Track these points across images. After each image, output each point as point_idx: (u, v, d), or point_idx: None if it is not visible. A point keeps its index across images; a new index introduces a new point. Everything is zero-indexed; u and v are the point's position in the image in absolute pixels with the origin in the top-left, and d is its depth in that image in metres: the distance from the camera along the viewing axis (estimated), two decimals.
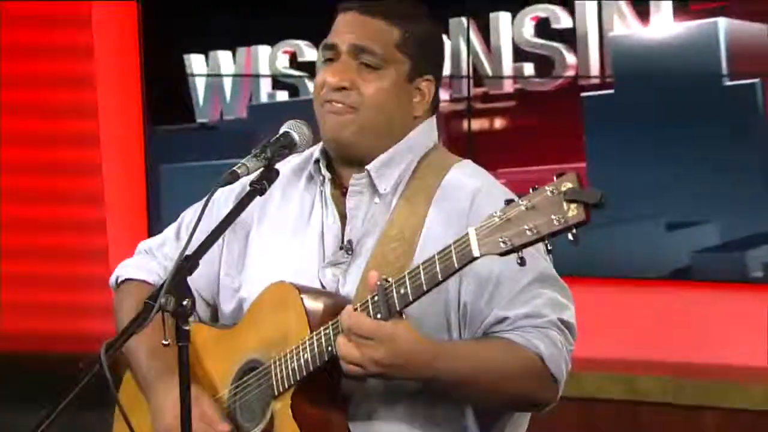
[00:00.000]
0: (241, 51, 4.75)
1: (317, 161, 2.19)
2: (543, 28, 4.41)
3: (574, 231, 1.82)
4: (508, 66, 4.48)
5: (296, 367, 2.04)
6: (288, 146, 2.08)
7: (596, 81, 4.40)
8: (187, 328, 1.91)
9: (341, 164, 2.18)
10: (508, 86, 4.51)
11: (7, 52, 4.98)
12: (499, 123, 4.57)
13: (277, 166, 2.09)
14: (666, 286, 4.36)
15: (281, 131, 2.11)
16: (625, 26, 4.32)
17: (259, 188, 2.05)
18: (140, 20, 4.76)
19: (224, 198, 2.16)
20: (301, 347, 2.04)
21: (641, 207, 4.32)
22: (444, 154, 2.20)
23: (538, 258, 1.99)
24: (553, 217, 1.81)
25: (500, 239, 1.85)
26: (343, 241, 2.14)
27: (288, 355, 2.06)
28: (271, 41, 4.71)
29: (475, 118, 4.53)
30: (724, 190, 4.23)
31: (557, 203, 1.81)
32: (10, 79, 4.98)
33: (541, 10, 4.41)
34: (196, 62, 4.81)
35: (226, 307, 2.24)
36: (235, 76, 4.78)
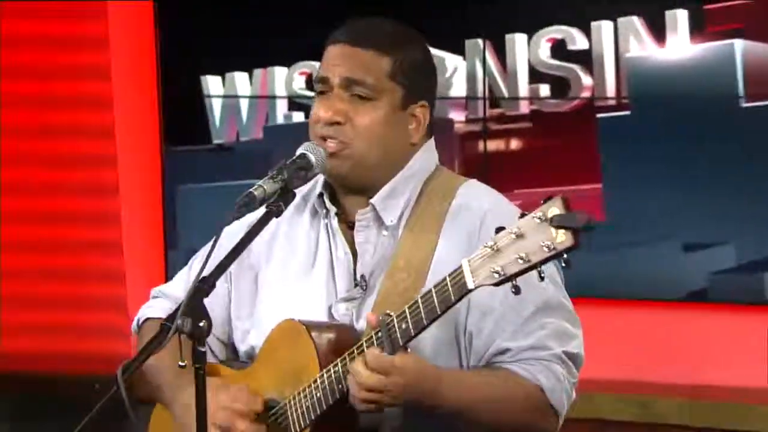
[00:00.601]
0: (258, 72, 4.77)
1: (320, 195, 2.19)
2: (559, 49, 4.41)
3: (564, 257, 1.80)
4: (524, 87, 4.49)
5: (310, 406, 2.05)
6: (305, 168, 2.08)
7: (612, 102, 4.40)
8: (203, 349, 1.92)
9: (344, 195, 2.18)
10: (524, 107, 4.51)
11: (22, 70, 5.00)
12: (514, 144, 4.57)
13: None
14: (682, 307, 4.35)
15: (298, 153, 2.11)
16: (642, 48, 4.32)
17: (275, 210, 2.05)
18: (157, 42, 4.79)
19: (236, 230, 2.13)
20: (313, 386, 2.05)
21: (657, 228, 4.31)
22: (447, 176, 2.19)
23: (545, 285, 1.97)
24: (541, 244, 1.80)
25: (492, 269, 1.85)
26: (355, 276, 2.14)
27: (302, 394, 2.07)
28: (288, 62, 4.73)
29: (491, 139, 4.53)
30: (740, 211, 4.21)
31: (545, 230, 1.80)
32: (25, 99, 5.01)
33: (557, 32, 4.42)
34: (212, 84, 4.82)
35: (241, 347, 2.24)
36: (251, 97, 4.80)
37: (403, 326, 1.94)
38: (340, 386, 2.01)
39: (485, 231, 2.08)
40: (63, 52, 4.96)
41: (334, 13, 4.42)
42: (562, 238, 1.79)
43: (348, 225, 2.17)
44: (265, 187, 2.04)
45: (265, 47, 4.73)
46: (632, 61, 4.34)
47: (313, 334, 2.07)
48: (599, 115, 4.42)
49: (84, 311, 5.00)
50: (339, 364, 2.02)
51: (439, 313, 1.92)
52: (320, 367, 2.04)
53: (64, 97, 4.99)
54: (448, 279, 1.90)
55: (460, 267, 1.89)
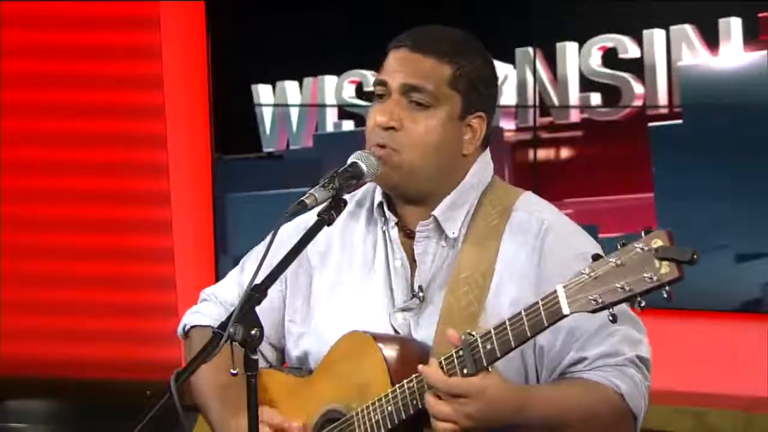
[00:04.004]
0: (308, 81, 4.79)
1: (380, 204, 2.18)
2: (610, 57, 4.39)
3: (667, 288, 1.82)
4: (574, 96, 4.46)
5: (380, 420, 2.05)
6: (356, 176, 2.08)
7: (664, 111, 4.37)
8: (255, 357, 1.92)
9: (402, 205, 2.17)
10: (575, 116, 4.49)
11: (73, 79, 5.05)
12: (565, 153, 4.55)
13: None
14: (736, 318, 4.30)
15: (349, 161, 2.11)
16: (694, 56, 4.29)
17: (327, 218, 2.05)
18: (209, 52, 4.82)
19: (288, 237, 2.14)
20: (384, 400, 2.05)
21: (710, 238, 4.27)
22: (503, 188, 2.18)
23: None
24: (645, 275, 1.82)
25: (591, 297, 1.86)
26: (413, 287, 2.14)
27: (370, 407, 2.06)
28: (338, 71, 4.74)
29: (541, 147, 4.51)
30: None
31: (648, 261, 1.82)
32: (76, 107, 5.05)
33: (608, 40, 4.39)
34: (263, 92, 4.85)
35: (293, 352, 2.24)
36: (301, 106, 4.81)
37: (488, 347, 1.94)
38: (414, 402, 2.01)
39: (547, 252, 2.08)
40: (115, 61, 5.00)
41: (384, 22, 4.44)
42: (667, 269, 1.82)
43: (406, 233, 2.17)
44: (317, 195, 2.05)
45: (316, 56, 4.74)
46: (684, 69, 4.31)
47: (382, 347, 2.07)
48: (651, 124, 4.38)
49: (135, 318, 5.03)
50: (414, 380, 2.02)
51: (529, 336, 1.93)
52: (391, 381, 2.04)
53: (116, 106, 5.02)
54: (540, 303, 1.91)
55: (555, 292, 1.89)
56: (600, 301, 1.85)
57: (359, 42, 4.60)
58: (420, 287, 2.12)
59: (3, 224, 5.07)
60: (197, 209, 4.93)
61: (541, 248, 2.08)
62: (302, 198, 2.04)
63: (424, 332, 2.10)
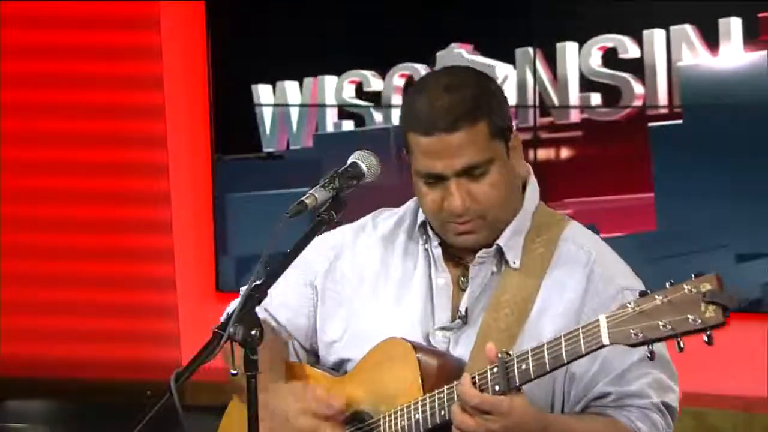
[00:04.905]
0: (308, 81, 4.79)
1: (423, 224, 2.18)
2: (610, 57, 4.39)
3: (709, 333, 1.85)
4: (574, 96, 4.46)
5: (405, 426, 2.07)
6: (356, 177, 2.09)
7: (664, 111, 4.37)
8: (255, 357, 1.92)
9: None
10: (575, 116, 4.49)
11: (75, 79, 5.05)
12: (565, 153, 4.55)
13: (376, 227, 2.14)
14: (736, 318, 4.29)
15: (349, 162, 2.12)
16: (694, 56, 4.29)
17: (326, 219, 2.06)
18: (209, 52, 4.82)
19: (333, 242, 2.19)
20: (412, 407, 2.07)
21: (710, 238, 4.27)
22: (548, 215, 2.19)
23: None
24: (689, 316, 1.85)
25: (632, 330, 1.88)
26: (458, 308, 2.15)
27: (399, 412, 2.08)
28: (338, 71, 4.74)
29: (541, 147, 4.51)
30: None
31: (695, 303, 1.85)
32: (76, 107, 5.05)
33: (608, 40, 4.39)
34: (263, 92, 4.85)
35: (329, 358, 2.25)
36: (301, 106, 4.81)
37: (523, 367, 1.96)
38: (442, 412, 2.03)
39: (594, 281, 2.10)
40: (115, 61, 5.00)
41: (384, 22, 4.44)
42: (712, 314, 1.86)
43: (450, 254, 2.17)
44: (317, 195, 2.06)
45: (316, 56, 4.74)
46: (684, 69, 4.31)
47: (420, 356, 2.09)
48: (651, 124, 4.38)
49: (135, 318, 5.03)
50: (445, 391, 2.04)
51: (565, 361, 1.94)
52: (423, 389, 2.06)
53: (116, 106, 5.03)
54: (581, 330, 1.93)
55: (597, 321, 1.91)
56: (641, 336, 1.87)
57: (359, 42, 4.60)
58: (467, 309, 2.14)
59: (3, 224, 5.07)
60: (197, 209, 4.93)
61: (587, 281, 2.10)
62: (302, 198, 2.04)
63: (461, 350, 2.13)
